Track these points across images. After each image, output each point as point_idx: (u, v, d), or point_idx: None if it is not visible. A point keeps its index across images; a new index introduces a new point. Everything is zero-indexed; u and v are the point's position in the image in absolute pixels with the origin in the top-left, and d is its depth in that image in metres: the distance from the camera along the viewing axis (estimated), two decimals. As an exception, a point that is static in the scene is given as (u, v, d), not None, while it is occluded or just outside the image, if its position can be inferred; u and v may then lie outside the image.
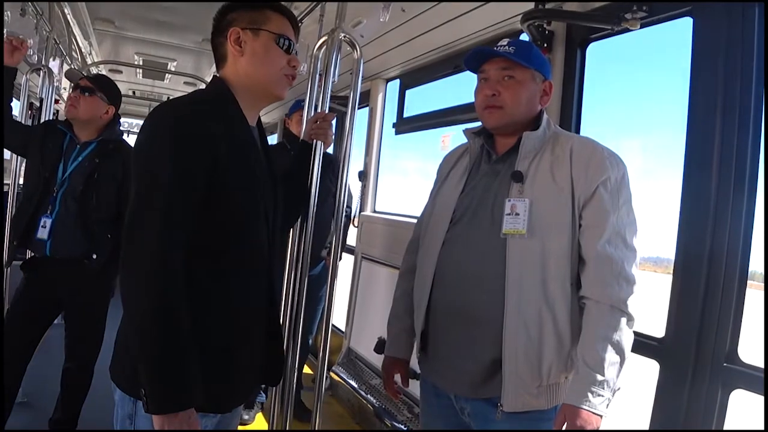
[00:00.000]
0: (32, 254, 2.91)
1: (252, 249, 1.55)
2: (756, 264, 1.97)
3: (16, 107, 3.89)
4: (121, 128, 3.16)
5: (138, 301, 1.33)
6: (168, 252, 1.34)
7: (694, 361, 1.99)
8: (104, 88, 2.97)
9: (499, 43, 1.74)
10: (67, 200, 2.84)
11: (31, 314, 2.89)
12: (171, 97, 6.73)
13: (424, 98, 4.16)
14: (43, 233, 2.81)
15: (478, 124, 1.84)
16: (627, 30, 2.32)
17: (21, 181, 3.55)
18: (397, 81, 4.43)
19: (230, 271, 1.50)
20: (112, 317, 2.44)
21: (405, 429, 3.31)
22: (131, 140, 2.11)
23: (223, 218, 1.46)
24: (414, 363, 1.96)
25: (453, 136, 3.47)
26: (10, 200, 3.55)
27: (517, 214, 1.63)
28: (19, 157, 3.63)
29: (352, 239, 4.51)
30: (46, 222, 2.81)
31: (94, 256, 2.84)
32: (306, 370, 4.30)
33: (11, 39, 2.82)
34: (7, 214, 3.47)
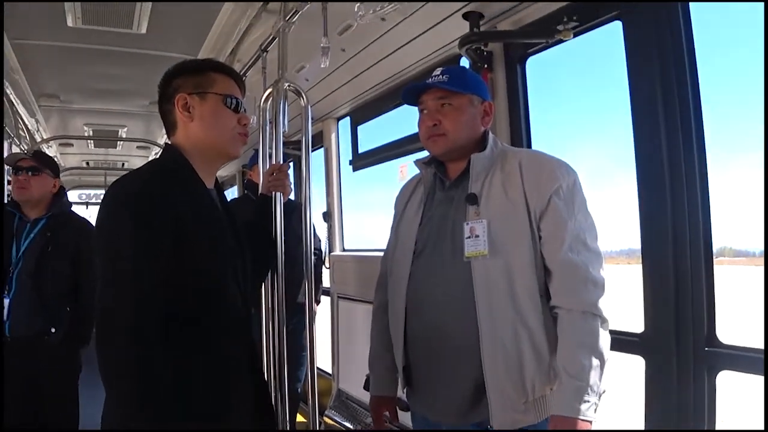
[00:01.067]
0: None
1: (226, 311, 1.54)
2: (725, 240, 2.01)
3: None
4: (69, 200, 3.16)
5: (121, 383, 1.32)
6: (143, 327, 1.33)
7: (676, 350, 2.01)
8: (48, 164, 3.01)
9: (433, 74, 1.79)
10: (23, 278, 2.82)
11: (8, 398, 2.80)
12: (126, 163, 6.68)
13: (377, 132, 4.20)
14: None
15: (430, 152, 1.87)
16: (561, 41, 2.38)
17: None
18: (348, 118, 4.45)
19: (207, 337, 1.49)
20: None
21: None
22: (91, 210, 2.10)
23: (192, 285, 1.45)
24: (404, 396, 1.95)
25: (410, 166, 3.50)
26: None
27: (477, 236, 1.65)
28: None
29: (327, 281, 4.49)
30: (5, 302, 2.79)
31: (53, 330, 2.83)
32: (299, 418, 4.22)
33: None
34: None
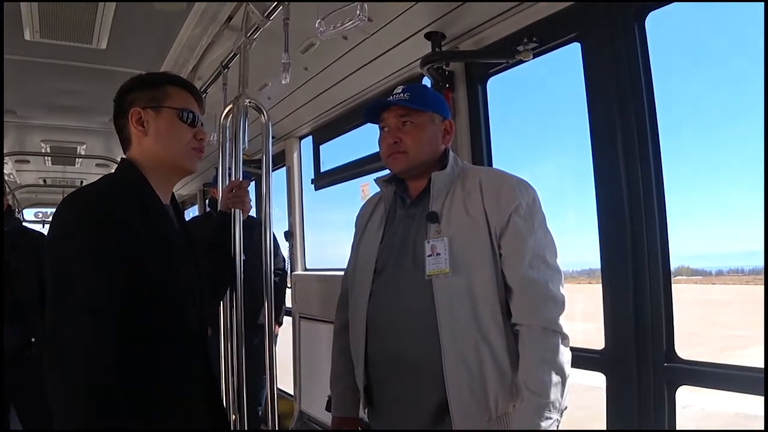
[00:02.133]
0: None
1: (182, 329, 1.52)
2: (683, 260, 2.05)
3: None
4: (18, 215, 3.15)
5: (71, 410, 1.26)
6: (96, 347, 1.29)
7: (636, 366, 2.04)
8: None
9: (395, 91, 1.79)
10: None
11: None
12: (84, 181, 6.56)
13: (339, 151, 4.21)
14: None
15: (390, 171, 1.87)
16: (521, 61, 2.43)
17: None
18: (310, 137, 4.45)
19: (162, 355, 1.46)
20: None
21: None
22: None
23: (147, 301, 1.42)
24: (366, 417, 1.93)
25: (371, 184, 3.51)
26: None
27: (438, 254, 1.64)
28: None
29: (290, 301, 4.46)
30: None
31: (33, 340, 2.83)
32: (260, 440, 4.15)
33: None
34: None
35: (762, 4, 1.79)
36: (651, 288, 2.03)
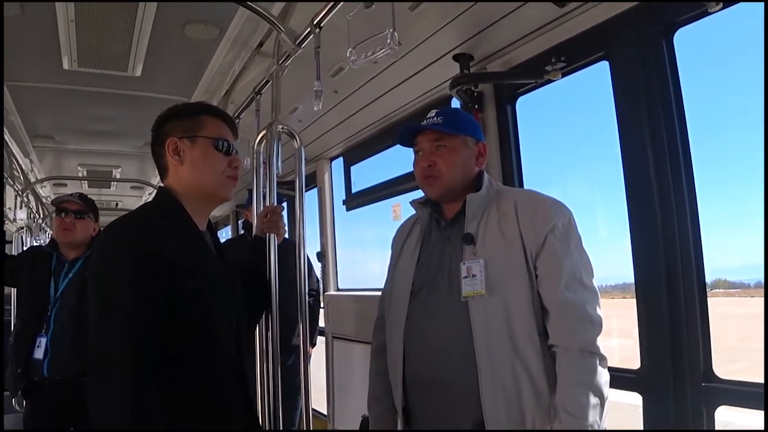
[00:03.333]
0: (32, 378, 2.85)
1: (219, 352, 1.53)
2: (718, 273, 2.03)
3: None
4: None
5: (111, 417, 1.29)
6: (136, 371, 1.31)
7: (673, 386, 2.00)
8: (92, 208, 3.07)
9: (428, 115, 1.82)
10: (62, 317, 2.84)
11: None
12: (120, 203, 6.69)
13: (370, 172, 4.23)
14: (38, 353, 2.80)
15: (424, 192, 1.88)
16: (550, 81, 2.43)
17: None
18: (341, 159, 4.49)
19: (200, 377, 1.48)
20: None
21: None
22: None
23: (185, 328, 1.45)
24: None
25: (403, 205, 3.52)
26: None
27: (474, 276, 1.65)
28: None
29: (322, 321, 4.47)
30: (41, 341, 2.81)
31: None
32: (294, 460, 4.15)
33: None
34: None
35: (762, 4, 1.79)
36: (686, 305, 1.99)
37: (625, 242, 2.16)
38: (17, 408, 4.40)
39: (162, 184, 1.65)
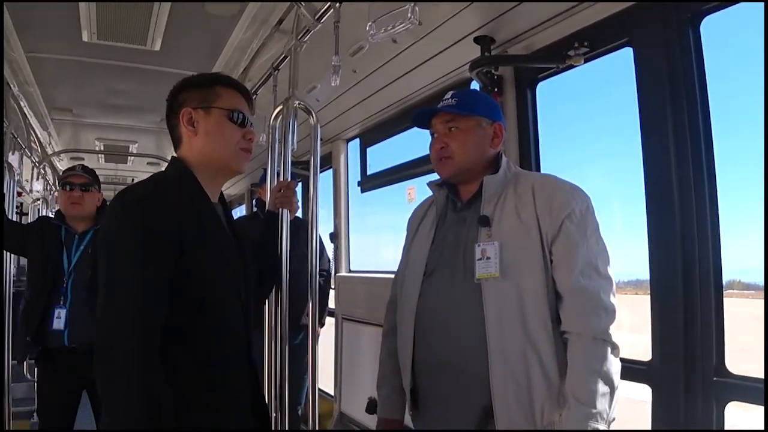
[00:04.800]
0: (45, 347, 2.93)
1: (227, 326, 1.53)
2: (733, 274, 1.99)
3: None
4: None
5: (116, 390, 1.30)
6: (143, 340, 1.31)
7: (684, 380, 1.98)
8: (96, 180, 3.14)
9: (444, 97, 1.80)
10: (79, 289, 2.90)
11: (63, 404, 2.94)
12: (136, 179, 6.77)
13: (386, 154, 4.22)
14: (59, 324, 2.87)
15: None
16: (572, 66, 2.39)
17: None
18: (357, 140, 4.48)
19: (208, 350, 1.47)
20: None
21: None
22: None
23: (194, 298, 1.44)
24: (409, 419, 1.92)
25: (418, 187, 3.51)
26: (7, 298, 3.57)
27: (489, 258, 1.63)
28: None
29: (333, 302, 4.48)
30: (61, 313, 2.88)
31: None
32: (299, 440, 4.18)
33: None
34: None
35: (762, 4, 1.77)
36: (701, 300, 1.97)
37: (640, 238, 2.13)
38: (28, 377, 4.53)
39: (175, 155, 1.64)
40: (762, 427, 1.69)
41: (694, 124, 2.01)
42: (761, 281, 1.97)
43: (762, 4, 1.78)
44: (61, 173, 3.25)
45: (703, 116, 2.01)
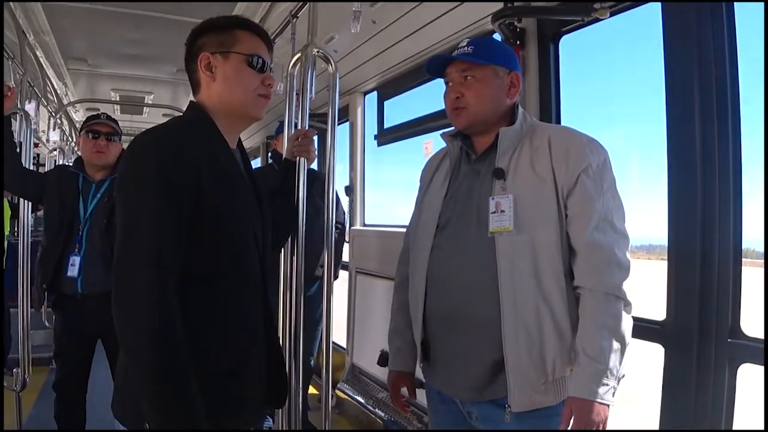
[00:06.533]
0: (60, 294, 2.98)
1: (244, 271, 1.53)
2: (747, 242, 1.97)
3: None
4: None
5: (134, 334, 1.31)
6: (160, 282, 1.32)
7: (698, 340, 1.98)
8: (120, 131, 3.12)
9: (459, 45, 1.75)
10: (93, 237, 2.92)
11: (78, 351, 3.01)
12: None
13: (404, 107, 4.18)
14: (73, 271, 2.90)
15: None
16: (597, 20, 2.33)
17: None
18: (375, 93, 4.44)
19: (224, 295, 1.48)
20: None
21: (416, 440, 3.29)
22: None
23: (211, 242, 1.44)
24: (419, 372, 1.94)
25: (435, 142, 3.48)
26: (22, 248, 3.62)
27: (503, 211, 1.62)
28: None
29: (347, 256, 4.51)
30: (75, 260, 2.91)
31: None
32: (311, 390, 4.26)
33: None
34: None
35: (762, 4, 1.74)
36: (719, 259, 1.96)
37: (655, 203, 2.10)
38: (46, 324, 4.63)
39: (193, 100, 1.62)
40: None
41: (722, 86, 1.96)
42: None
43: (762, 4, 1.75)
44: (83, 121, 3.23)
45: (732, 79, 1.95)
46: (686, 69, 2.03)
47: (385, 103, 4.29)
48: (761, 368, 1.82)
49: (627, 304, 1.58)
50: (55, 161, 5.76)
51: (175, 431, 1.30)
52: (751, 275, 1.98)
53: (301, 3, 2.51)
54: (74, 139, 6.34)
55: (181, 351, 1.32)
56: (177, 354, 1.31)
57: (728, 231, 1.95)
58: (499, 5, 2.53)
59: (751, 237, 1.98)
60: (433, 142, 3.52)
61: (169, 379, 1.31)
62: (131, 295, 1.32)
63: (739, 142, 1.95)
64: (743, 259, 1.97)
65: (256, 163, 7.34)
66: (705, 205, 1.98)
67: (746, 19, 1.97)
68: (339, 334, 4.45)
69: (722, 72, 1.96)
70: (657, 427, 2.11)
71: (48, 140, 5.62)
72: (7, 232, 4.11)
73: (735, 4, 1.95)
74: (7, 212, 3.84)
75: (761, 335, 1.87)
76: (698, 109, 1.99)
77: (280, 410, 2.20)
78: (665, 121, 2.11)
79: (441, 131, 1.90)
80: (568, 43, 2.62)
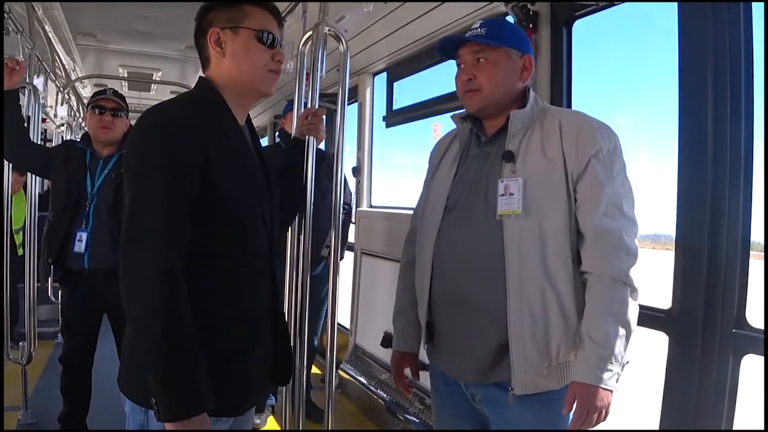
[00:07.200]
0: (66, 269, 3.00)
1: (251, 248, 1.53)
2: (754, 235, 1.97)
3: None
4: None
5: (141, 310, 1.32)
6: (167, 257, 1.32)
7: (702, 329, 1.98)
8: (126, 105, 3.12)
9: (472, 26, 1.72)
10: (101, 213, 2.94)
11: (85, 326, 3.04)
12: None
13: (413, 89, 4.16)
14: (80, 247, 2.92)
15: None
16: (612, 4, 2.31)
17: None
18: (384, 74, 4.42)
19: (231, 272, 1.48)
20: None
21: (417, 421, 3.31)
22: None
23: (218, 218, 1.44)
24: (423, 354, 1.94)
25: (444, 124, 3.47)
26: (28, 222, 3.64)
27: (511, 194, 1.61)
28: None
29: (352, 237, 4.52)
30: (82, 236, 2.93)
31: None
32: (314, 370, 4.29)
33: (7, 61, 2.84)
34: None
35: (762, 4, 1.74)
36: (727, 250, 1.95)
37: (662, 193, 2.09)
38: (52, 299, 4.67)
39: (203, 75, 1.61)
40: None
41: (737, 77, 1.94)
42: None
43: (762, 4, 1.75)
44: (90, 97, 3.23)
45: (747, 70, 1.93)
46: (700, 61, 2.01)
47: (394, 84, 4.27)
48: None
49: (634, 291, 1.57)
50: (63, 137, 5.77)
51: (178, 405, 1.32)
52: (760, 268, 1.98)
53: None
54: (82, 115, 6.34)
55: (188, 327, 1.33)
56: (183, 330, 1.32)
57: (737, 223, 1.94)
58: (513, -13, 2.51)
59: (760, 229, 1.97)
60: (441, 125, 3.52)
61: (175, 355, 1.31)
62: (138, 271, 1.32)
63: (752, 134, 1.94)
64: (752, 252, 1.97)
65: (263, 143, 7.34)
66: (715, 195, 1.97)
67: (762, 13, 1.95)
68: (343, 315, 4.47)
69: (737, 65, 1.94)
70: (658, 421, 2.12)
71: (56, 115, 5.61)
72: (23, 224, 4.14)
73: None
74: (25, 204, 3.85)
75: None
76: (711, 101, 1.97)
77: (284, 388, 2.22)
78: (677, 112, 2.09)
79: (451, 113, 1.89)
80: (581, 28, 2.60)
